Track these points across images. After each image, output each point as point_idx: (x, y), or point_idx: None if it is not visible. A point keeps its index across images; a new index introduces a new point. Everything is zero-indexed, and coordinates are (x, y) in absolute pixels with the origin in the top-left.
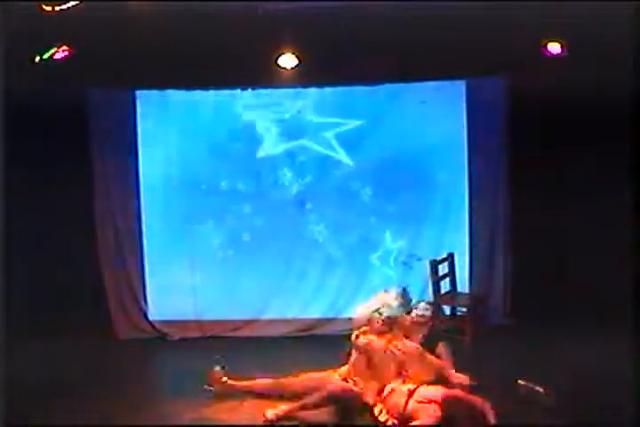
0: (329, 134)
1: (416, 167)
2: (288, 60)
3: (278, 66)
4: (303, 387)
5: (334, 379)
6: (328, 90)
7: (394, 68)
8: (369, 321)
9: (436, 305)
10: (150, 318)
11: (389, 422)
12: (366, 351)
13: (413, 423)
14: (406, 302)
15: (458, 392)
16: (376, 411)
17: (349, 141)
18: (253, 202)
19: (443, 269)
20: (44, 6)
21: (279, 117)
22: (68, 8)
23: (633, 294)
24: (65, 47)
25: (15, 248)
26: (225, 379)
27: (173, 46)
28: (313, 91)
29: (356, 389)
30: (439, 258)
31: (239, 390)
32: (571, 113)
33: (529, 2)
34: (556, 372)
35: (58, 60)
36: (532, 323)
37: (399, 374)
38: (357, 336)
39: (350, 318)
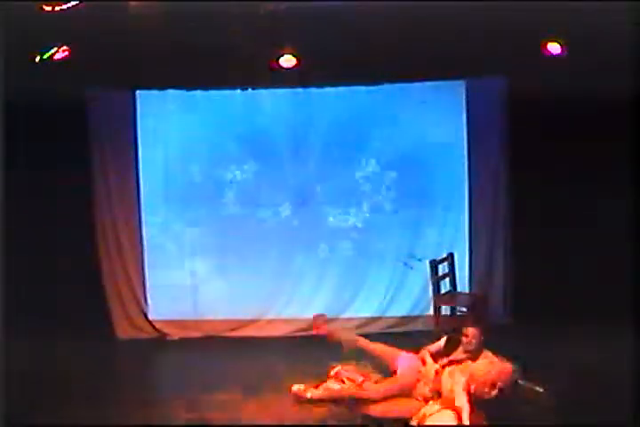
0: (330, 134)
1: (416, 167)
2: (288, 60)
3: (278, 66)
4: None
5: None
6: (329, 90)
7: (394, 68)
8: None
9: None
10: (150, 318)
11: None
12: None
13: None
14: None
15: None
16: None
17: (349, 141)
18: (254, 202)
19: (443, 269)
20: (44, 6)
21: (278, 117)
22: (68, 8)
23: (633, 293)
24: (65, 47)
25: (15, 248)
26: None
27: (173, 46)
28: (312, 90)
29: None
30: (439, 258)
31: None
32: (571, 113)
33: (529, 2)
34: (556, 372)
35: (58, 60)
36: (531, 323)
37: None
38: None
39: (349, 318)
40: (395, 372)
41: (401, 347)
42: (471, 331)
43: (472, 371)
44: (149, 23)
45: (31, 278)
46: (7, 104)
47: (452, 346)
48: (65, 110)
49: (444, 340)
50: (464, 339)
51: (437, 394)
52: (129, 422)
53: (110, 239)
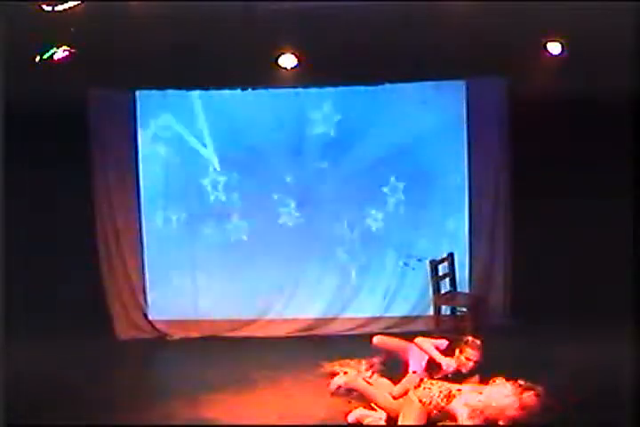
0: (330, 134)
1: (416, 167)
2: (288, 60)
3: (278, 66)
4: None
5: None
6: (329, 89)
7: (394, 68)
8: None
9: None
10: (150, 318)
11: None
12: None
13: None
14: None
15: None
16: None
17: (349, 141)
18: (253, 202)
19: (443, 269)
20: (43, 6)
21: (279, 118)
22: (69, 8)
23: (633, 293)
24: (65, 47)
25: (15, 248)
26: None
27: (173, 46)
28: (313, 90)
29: None
30: (439, 258)
31: None
32: (571, 113)
33: (529, 2)
34: (557, 372)
35: (58, 60)
36: (532, 323)
37: None
38: None
39: (349, 318)
40: (406, 363)
41: None
42: (473, 354)
43: (487, 395)
44: (149, 23)
45: (31, 278)
46: (7, 104)
47: (451, 352)
48: (65, 110)
49: (445, 342)
50: (464, 360)
51: None
52: (129, 422)
53: (110, 239)
